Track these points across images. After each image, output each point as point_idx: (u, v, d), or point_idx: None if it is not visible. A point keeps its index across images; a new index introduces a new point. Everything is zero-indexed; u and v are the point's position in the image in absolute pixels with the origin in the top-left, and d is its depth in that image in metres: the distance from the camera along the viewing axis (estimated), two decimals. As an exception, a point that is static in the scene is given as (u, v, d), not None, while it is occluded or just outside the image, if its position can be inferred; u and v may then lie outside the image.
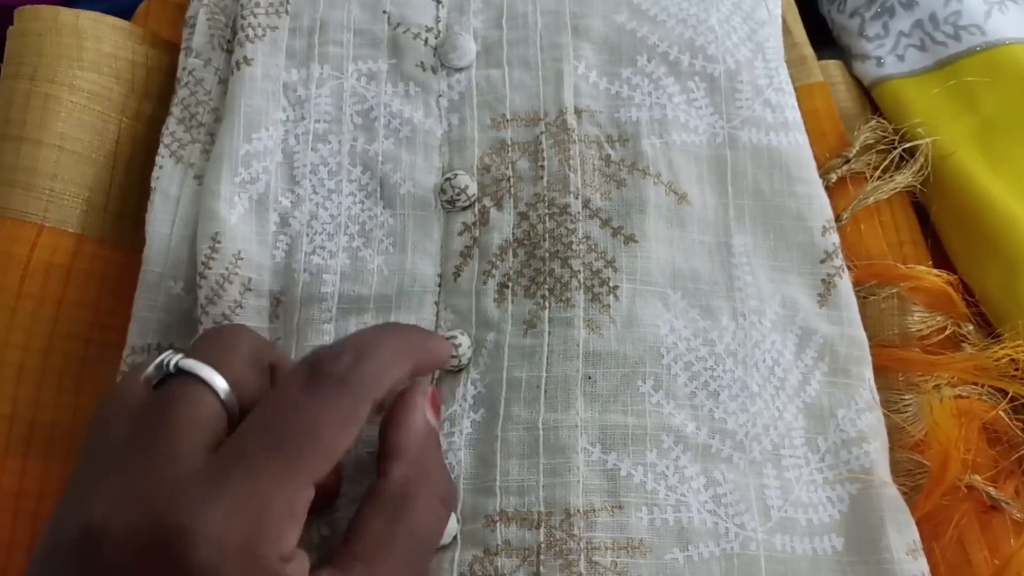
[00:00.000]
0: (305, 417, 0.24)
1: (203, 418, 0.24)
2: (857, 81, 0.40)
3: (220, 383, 0.25)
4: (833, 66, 0.41)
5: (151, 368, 0.26)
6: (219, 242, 0.32)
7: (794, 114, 0.36)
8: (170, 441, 0.24)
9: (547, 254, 0.32)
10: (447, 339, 0.31)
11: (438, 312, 0.33)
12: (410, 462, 0.27)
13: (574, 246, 0.32)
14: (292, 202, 0.34)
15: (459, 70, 0.36)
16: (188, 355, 0.26)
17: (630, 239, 0.33)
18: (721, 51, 0.36)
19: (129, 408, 0.25)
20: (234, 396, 0.25)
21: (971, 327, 0.34)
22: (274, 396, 0.25)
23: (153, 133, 0.36)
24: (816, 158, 0.36)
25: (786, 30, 0.39)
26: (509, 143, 0.34)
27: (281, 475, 0.23)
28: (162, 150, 0.34)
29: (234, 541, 0.22)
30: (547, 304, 0.32)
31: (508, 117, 0.35)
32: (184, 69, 0.36)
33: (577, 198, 0.33)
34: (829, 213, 0.34)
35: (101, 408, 0.26)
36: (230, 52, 0.36)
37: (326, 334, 0.32)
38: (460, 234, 0.33)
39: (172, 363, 0.25)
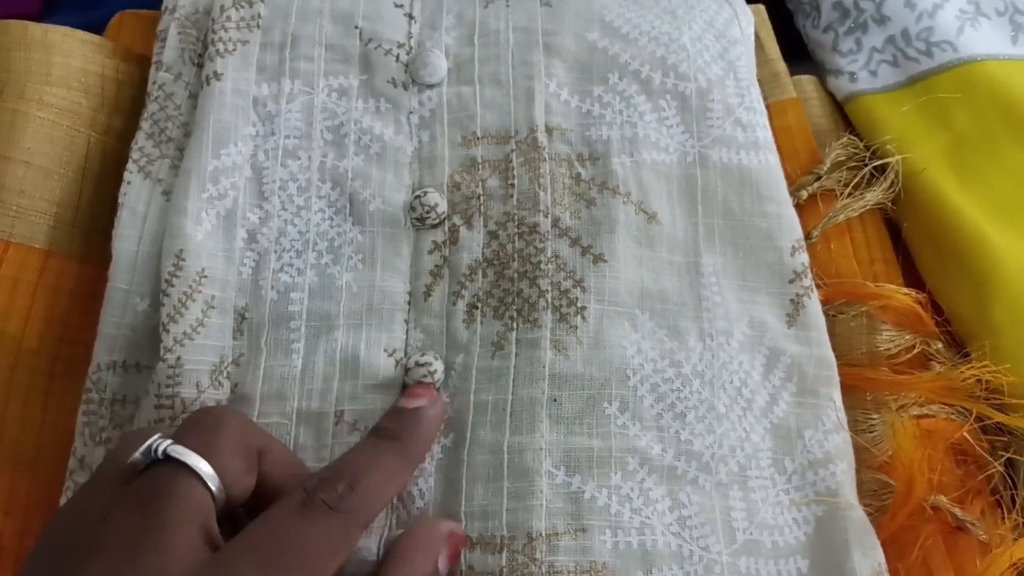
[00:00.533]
0: (295, 543, 0.25)
1: (192, 509, 0.25)
2: (831, 96, 0.41)
3: (208, 470, 0.25)
4: (807, 81, 0.41)
5: (139, 453, 0.26)
6: (183, 259, 0.32)
7: (765, 133, 0.36)
8: (157, 532, 0.24)
9: (516, 274, 0.32)
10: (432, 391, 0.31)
11: (408, 331, 0.32)
12: None
13: (542, 265, 0.32)
14: (260, 218, 0.34)
15: (430, 87, 0.36)
16: (176, 440, 0.26)
17: (599, 259, 0.32)
18: (693, 70, 0.36)
19: (114, 490, 0.25)
20: (222, 484, 0.26)
21: (940, 345, 0.34)
22: (268, 518, 0.25)
23: (123, 148, 0.36)
24: (788, 175, 0.36)
25: (759, 46, 0.39)
26: (479, 161, 0.34)
27: None
28: (130, 165, 0.34)
29: None
30: (515, 325, 0.32)
31: (479, 135, 0.35)
32: (154, 83, 0.36)
33: (547, 217, 0.33)
34: (799, 233, 0.34)
35: (86, 485, 0.26)
36: (201, 66, 0.36)
37: (295, 353, 0.32)
38: (430, 252, 0.33)
39: (160, 449, 0.25)
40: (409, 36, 0.36)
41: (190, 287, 0.32)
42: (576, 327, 0.31)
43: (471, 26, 0.37)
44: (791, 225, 0.34)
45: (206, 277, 0.32)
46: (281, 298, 0.32)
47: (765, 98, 0.38)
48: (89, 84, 0.36)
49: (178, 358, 0.31)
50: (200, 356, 0.31)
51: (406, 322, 0.33)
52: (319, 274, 0.33)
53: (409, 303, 0.33)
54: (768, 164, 0.35)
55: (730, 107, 0.36)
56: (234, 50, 0.35)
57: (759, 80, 0.38)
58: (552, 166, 0.34)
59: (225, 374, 0.31)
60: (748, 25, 0.39)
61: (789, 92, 0.39)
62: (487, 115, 0.35)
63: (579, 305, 0.32)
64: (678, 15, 0.37)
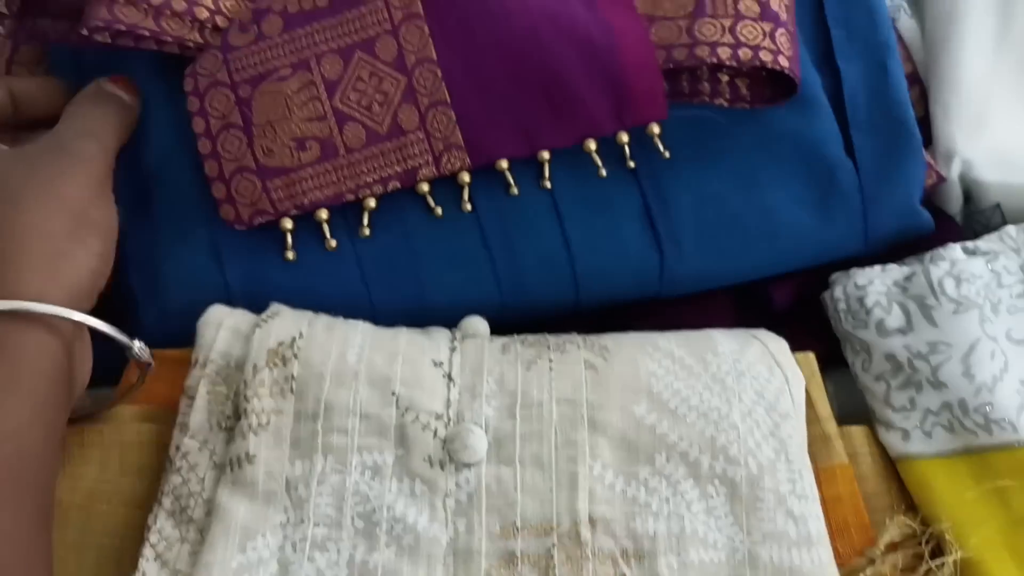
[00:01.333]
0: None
1: None
2: (882, 449, 0.39)
3: None
4: (857, 433, 0.39)
5: None
6: None
7: (818, 525, 0.34)
8: None
9: None
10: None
11: None
12: None
13: None
14: None
15: (468, 466, 0.34)
16: None
17: None
18: (743, 452, 0.34)
19: None
20: None
21: None
22: None
23: (134, 515, 0.34)
24: (838, 554, 0.34)
25: (810, 404, 0.38)
26: (519, 555, 0.32)
27: None
28: (147, 551, 0.32)
29: None
30: None
31: (519, 525, 0.33)
32: (178, 450, 0.34)
33: None
34: (854, 646, 0.32)
35: None
36: (229, 430, 0.34)
37: None
38: None
39: None
40: (448, 404, 0.34)
41: None
42: None
43: (513, 395, 0.35)
44: (845, 638, 0.32)
45: None
46: None
47: (814, 462, 0.36)
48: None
49: None
50: None
51: None
52: None
53: None
54: (821, 563, 0.33)
55: (781, 496, 0.34)
56: (267, 424, 0.33)
57: (808, 440, 0.37)
58: (595, 565, 0.32)
59: None
60: (799, 391, 0.37)
61: (840, 457, 0.37)
62: (528, 503, 0.33)
63: None
64: (727, 385, 0.36)
